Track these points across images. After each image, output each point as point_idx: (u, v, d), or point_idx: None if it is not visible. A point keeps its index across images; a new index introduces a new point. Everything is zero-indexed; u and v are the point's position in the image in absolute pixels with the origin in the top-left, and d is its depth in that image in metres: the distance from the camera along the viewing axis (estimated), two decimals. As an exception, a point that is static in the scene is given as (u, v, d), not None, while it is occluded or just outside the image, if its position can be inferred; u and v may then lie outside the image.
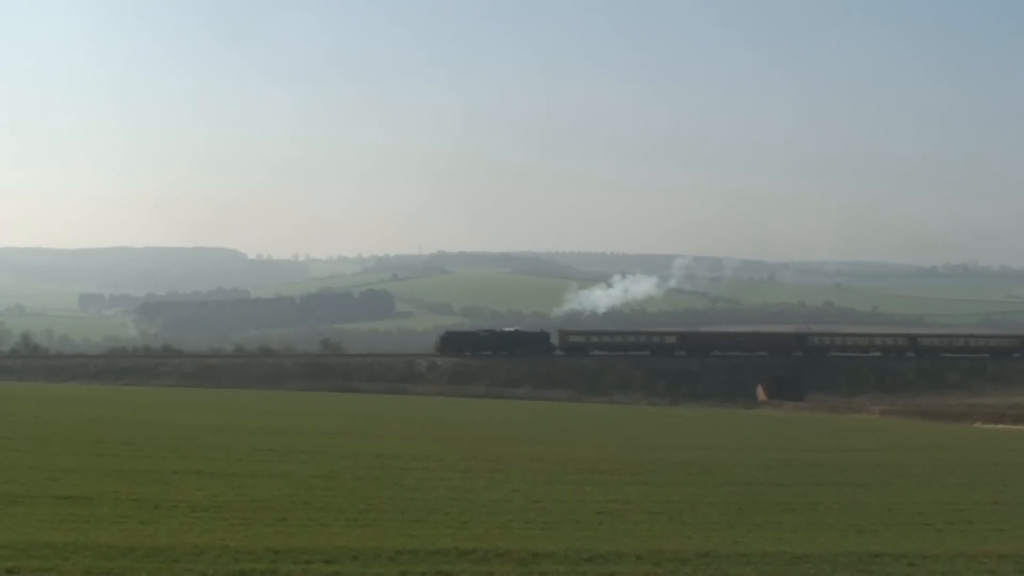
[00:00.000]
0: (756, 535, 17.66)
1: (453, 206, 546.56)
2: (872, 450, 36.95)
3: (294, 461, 26.23)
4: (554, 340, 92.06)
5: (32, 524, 16.12)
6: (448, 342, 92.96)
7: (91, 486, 20.18)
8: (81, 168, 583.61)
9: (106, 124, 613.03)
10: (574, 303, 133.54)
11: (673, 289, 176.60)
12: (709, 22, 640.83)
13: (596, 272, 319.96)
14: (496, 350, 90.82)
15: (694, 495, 22.57)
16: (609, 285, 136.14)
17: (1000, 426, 54.34)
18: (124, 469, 22.91)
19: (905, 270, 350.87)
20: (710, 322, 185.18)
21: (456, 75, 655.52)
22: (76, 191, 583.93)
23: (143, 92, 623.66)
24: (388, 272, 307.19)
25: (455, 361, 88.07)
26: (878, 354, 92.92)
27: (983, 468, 30.39)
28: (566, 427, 48.09)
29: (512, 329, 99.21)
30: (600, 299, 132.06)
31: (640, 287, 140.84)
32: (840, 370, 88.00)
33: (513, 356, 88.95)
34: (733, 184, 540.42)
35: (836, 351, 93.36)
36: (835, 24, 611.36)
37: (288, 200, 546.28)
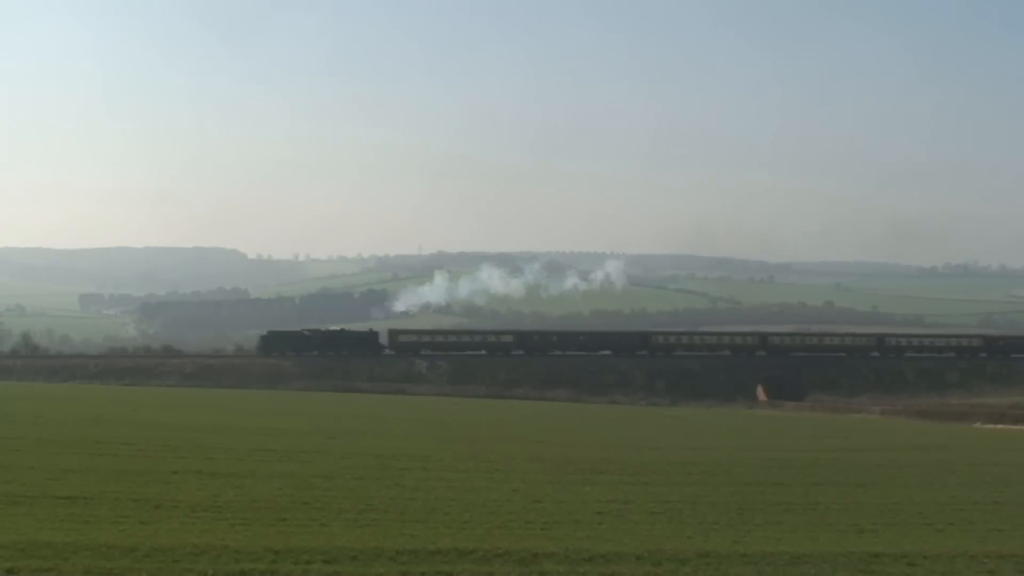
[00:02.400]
0: (756, 535, 17.66)
1: (453, 206, 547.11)
2: (872, 450, 36.95)
3: (294, 461, 26.24)
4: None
5: (32, 524, 16.12)
6: (270, 342, 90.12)
7: (91, 486, 20.19)
8: (81, 168, 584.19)
9: (106, 124, 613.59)
10: (408, 301, 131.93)
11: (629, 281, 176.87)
12: (709, 23, 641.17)
13: (596, 272, 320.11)
14: (322, 350, 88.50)
15: (694, 495, 22.57)
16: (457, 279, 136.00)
17: (1000, 426, 54.32)
18: (124, 469, 22.92)
19: (905, 270, 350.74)
20: (710, 322, 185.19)
21: (456, 75, 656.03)
22: (76, 191, 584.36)
23: (143, 92, 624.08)
24: (388, 272, 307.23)
25: (455, 361, 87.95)
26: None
27: (983, 468, 30.38)
28: (566, 427, 48.10)
29: (338, 328, 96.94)
30: (430, 295, 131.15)
31: (494, 282, 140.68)
32: (840, 370, 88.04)
33: (339, 356, 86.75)
34: (733, 184, 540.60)
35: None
36: (835, 24, 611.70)
37: (288, 200, 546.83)
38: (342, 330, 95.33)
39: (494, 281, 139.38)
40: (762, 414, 70.95)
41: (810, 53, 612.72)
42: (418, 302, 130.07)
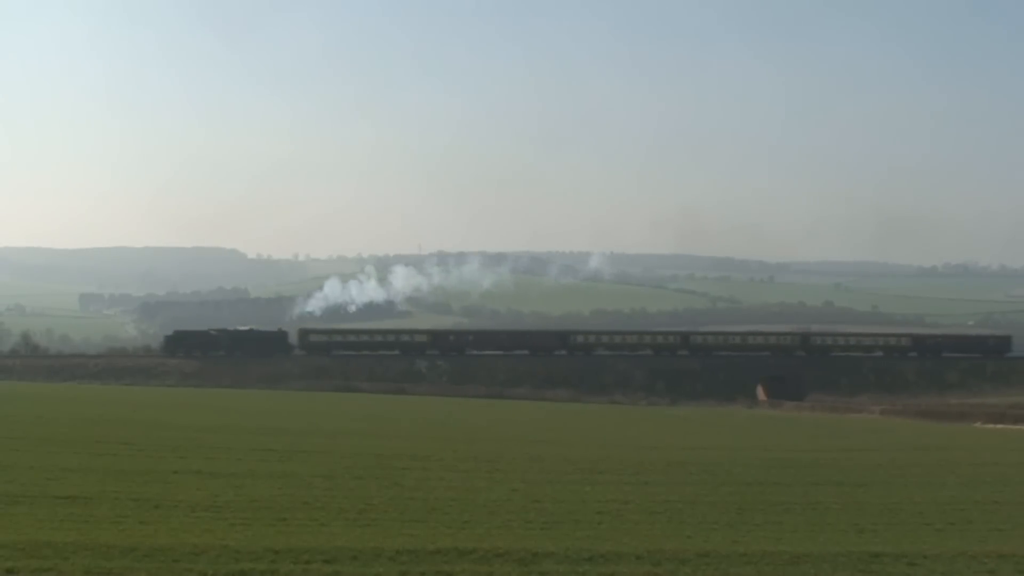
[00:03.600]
0: (756, 535, 17.66)
1: (452, 205, 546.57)
2: (872, 450, 36.95)
3: (294, 461, 26.24)
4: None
5: (32, 524, 16.12)
6: (175, 341, 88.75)
7: (91, 486, 20.19)
8: (81, 168, 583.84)
9: (105, 124, 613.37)
10: (323, 298, 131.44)
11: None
12: (709, 23, 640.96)
13: (596, 272, 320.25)
14: (229, 350, 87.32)
15: (694, 495, 22.57)
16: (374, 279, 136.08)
17: (1000, 426, 54.31)
18: (124, 469, 22.92)
19: (905, 270, 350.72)
20: (710, 322, 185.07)
21: (456, 74, 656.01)
22: (76, 191, 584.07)
23: (142, 92, 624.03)
24: (388, 272, 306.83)
25: (455, 361, 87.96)
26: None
27: (983, 468, 30.38)
28: (566, 427, 48.10)
29: (247, 328, 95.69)
30: (346, 293, 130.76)
31: (399, 282, 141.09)
32: (840, 370, 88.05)
33: (248, 356, 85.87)
34: (733, 184, 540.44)
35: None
36: (836, 24, 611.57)
37: (288, 200, 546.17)
38: (251, 330, 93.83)
39: (433, 278, 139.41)
40: (762, 414, 70.96)
41: (810, 52, 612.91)
42: (335, 301, 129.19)
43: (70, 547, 14.48)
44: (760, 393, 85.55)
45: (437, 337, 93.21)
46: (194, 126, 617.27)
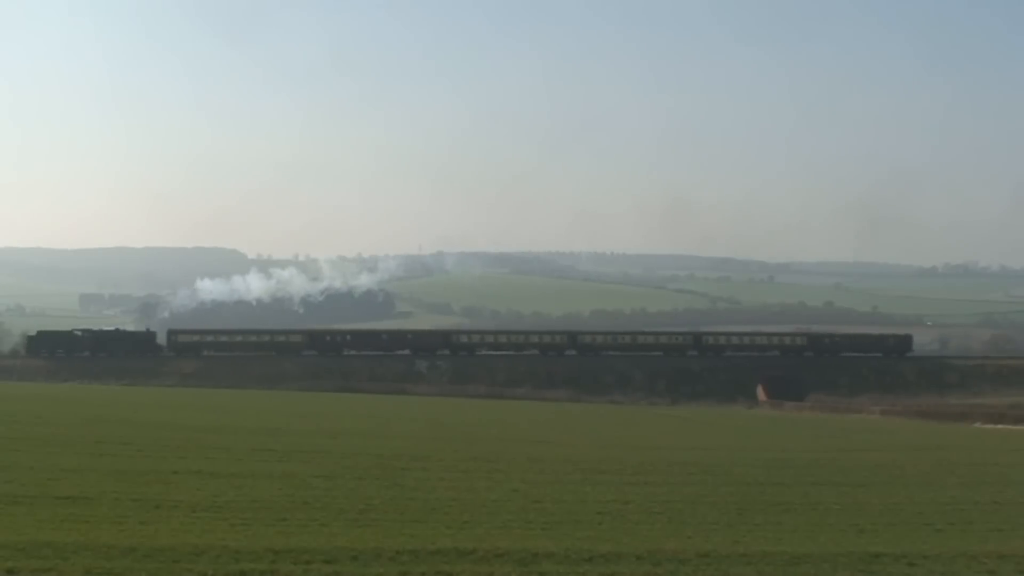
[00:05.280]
0: (756, 535, 17.67)
1: (453, 206, 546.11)
2: (872, 450, 36.96)
3: (294, 461, 26.23)
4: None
5: (32, 524, 16.12)
6: (38, 342, 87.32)
7: (91, 486, 20.18)
8: (81, 168, 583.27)
9: (106, 124, 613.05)
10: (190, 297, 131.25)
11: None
12: (710, 23, 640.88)
13: (596, 272, 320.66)
14: (94, 351, 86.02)
15: (694, 495, 22.57)
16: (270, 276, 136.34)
17: (1000, 426, 54.35)
18: (124, 469, 22.91)
19: (905, 270, 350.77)
20: (711, 322, 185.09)
21: (456, 75, 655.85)
22: (76, 191, 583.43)
23: (143, 92, 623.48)
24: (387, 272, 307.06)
25: (455, 361, 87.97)
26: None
27: (983, 468, 30.40)
28: (566, 427, 48.09)
29: (112, 328, 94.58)
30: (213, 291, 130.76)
31: (293, 284, 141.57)
32: (840, 370, 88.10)
33: (114, 356, 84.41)
34: (733, 184, 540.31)
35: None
36: (836, 24, 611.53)
37: (288, 200, 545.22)
38: (116, 330, 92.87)
39: (295, 282, 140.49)
40: (762, 414, 71.01)
41: (810, 53, 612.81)
42: (194, 301, 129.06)
43: (70, 547, 14.48)
44: (760, 393, 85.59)
45: (314, 337, 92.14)
46: (195, 127, 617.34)
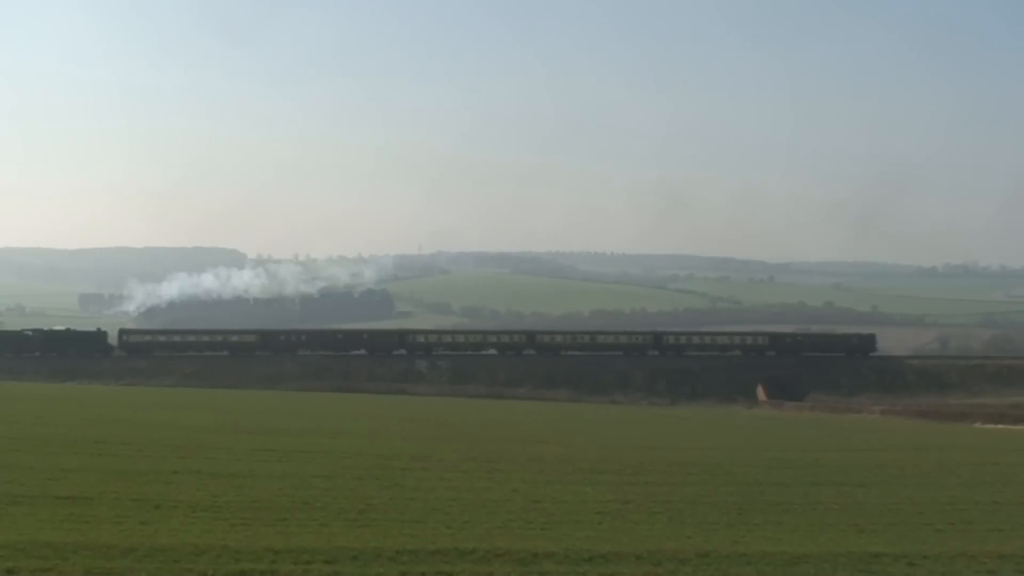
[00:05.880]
0: (756, 535, 17.68)
1: (453, 206, 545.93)
2: (872, 450, 36.96)
3: (294, 461, 26.24)
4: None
5: (32, 524, 16.13)
6: None
7: (91, 486, 20.19)
8: (82, 168, 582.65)
9: (106, 124, 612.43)
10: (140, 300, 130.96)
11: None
12: (710, 22, 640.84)
13: (596, 272, 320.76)
14: (44, 351, 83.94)
15: (694, 495, 22.57)
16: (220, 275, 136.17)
17: (1000, 426, 54.34)
18: (124, 469, 22.92)
19: (905, 270, 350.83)
20: (711, 322, 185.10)
21: (457, 75, 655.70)
22: (76, 191, 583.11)
23: (143, 92, 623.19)
24: (389, 272, 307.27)
25: (456, 361, 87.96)
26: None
27: (983, 468, 30.40)
28: (566, 427, 48.10)
29: (63, 328, 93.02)
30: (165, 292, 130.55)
31: (240, 280, 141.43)
32: (840, 370, 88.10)
33: (64, 356, 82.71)
34: (732, 183, 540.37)
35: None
36: (835, 24, 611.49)
37: (288, 200, 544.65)
38: (67, 330, 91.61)
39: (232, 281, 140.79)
40: (762, 414, 71.00)
41: (810, 53, 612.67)
42: (146, 302, 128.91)
43: (70, 547, 14.49)
44: (760, 393, 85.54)
45: (267, 337, 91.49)
46: (196, 127, 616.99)
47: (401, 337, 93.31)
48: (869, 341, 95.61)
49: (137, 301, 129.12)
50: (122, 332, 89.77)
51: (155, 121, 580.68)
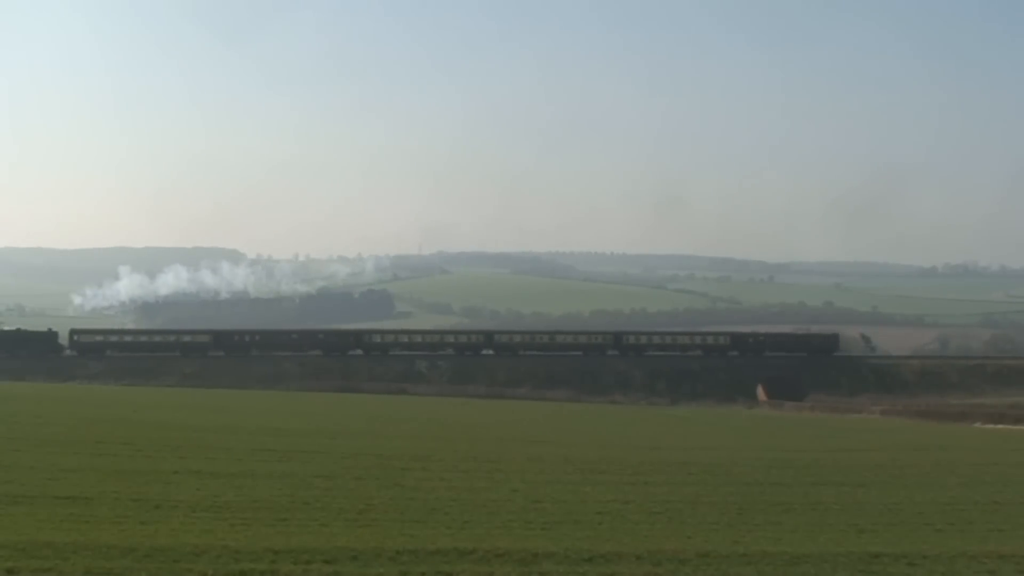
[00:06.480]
0: (756, 535, 17.67)
1: (453, 206, 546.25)
2: (872, 450, 36.95)
3: (294, 461, 26.24)
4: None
5: (32, 524, 16.13)
6: None
7: (91, 486, 20.19)
8: (81, 168, 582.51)
9: (106, 124, 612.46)
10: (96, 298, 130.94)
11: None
12: (709, 22, 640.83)
13: (596, 272, 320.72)
14: None
15: (694, 495, 22.57)
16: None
17: (1000, 426, 54.31)
18: (124, 469, 22.92)
19: (905, 270, 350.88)
20: (711, 322, 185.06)
21: (457, 75, 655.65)
22: (76, 191, 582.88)
23: (143, 92, 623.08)
24: (388, 272, 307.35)
25: (456, 361, 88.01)
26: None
27: (983, 468, 30.39)
28: (566, 427, 48.10)
29: (13, 328, 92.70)
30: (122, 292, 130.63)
31: (233, 276, 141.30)
32: (840, 370, 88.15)
33: (16, 357, 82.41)
34: (733, 184, 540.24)
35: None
36: (835, 24, 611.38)
37: (288, 200, 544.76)
38: (18, 330, 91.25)
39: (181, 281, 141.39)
40: (762, 414, 71.00)
41: (810, 53, 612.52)
42: (100, 302, 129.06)
43: (70, 547, 14.49)
44: (760, 393, 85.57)
45: (220, 337, 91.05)
46: (195, 126, 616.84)
47: (357, 337, 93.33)
48: (832, 341, 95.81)
49: (87, 300, 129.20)
50: (72, 332, 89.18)
51: (154, 121, 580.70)
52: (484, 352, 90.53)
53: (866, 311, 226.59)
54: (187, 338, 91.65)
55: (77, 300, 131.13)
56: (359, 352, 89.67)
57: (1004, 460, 33.46)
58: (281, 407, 52.38)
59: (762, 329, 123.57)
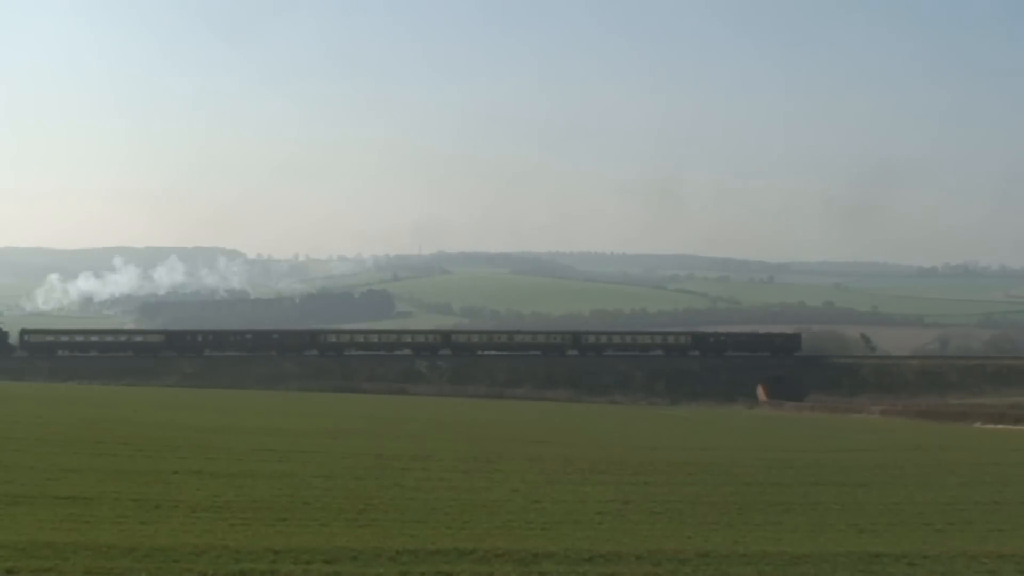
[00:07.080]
0: (756, 535, 17.67)
1: (453, 206, 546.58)
2: (872, 450, 36.93)
3: (294, 461, 26.22)
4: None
5: (32, 524, 16.12)
6: None
7: (91, 486, 20.18)
8: (81, 168, 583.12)
9: (106, 124, 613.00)
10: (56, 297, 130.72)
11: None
12: (709, 22, 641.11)
13: (596, 272, 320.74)
14: None
15: (694, 495, 22.56)
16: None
17: (1000, 426, 54.27)
18: (124, 469, 22.91)
19: (905, 270, 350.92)
20: (711, 322, 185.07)
21: (457, 75, 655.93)
22: (76, 191, 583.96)
23: (143, 92, 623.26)
24: (388, 272, 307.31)
25: (456, 361, 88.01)
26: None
27: (983, 468, 30.37)
28: (566, 427, 48.08)
29: None
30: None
31: (124, 281, 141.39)
32: (840, 370, 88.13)
33: None
34: (733, 184, 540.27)
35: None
36: (835, 24, 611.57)
37: (288, 200, 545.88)
38: None
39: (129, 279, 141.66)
40: (762, 414, 70.98)
41: (810, 53, 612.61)
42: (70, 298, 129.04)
43: (70, 547, 14.49)
44: (760, 393, 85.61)
45: (173, 337, 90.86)
46: (195, 127, 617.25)
47: (312, 337, 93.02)
48: (794, 340, 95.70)
49: (41, 299, 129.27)
50: (23, 332, 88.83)
51: (155, 121, 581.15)
52: (441, 352, 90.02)
53: (866, 311, 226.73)
54: (139, 338, 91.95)
55: (27, 306, 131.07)
56: (314, 352, 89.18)
57: (1004, 460, 33.44)
58: (281, 407, 52.37)
59: (762, 329, 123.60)
